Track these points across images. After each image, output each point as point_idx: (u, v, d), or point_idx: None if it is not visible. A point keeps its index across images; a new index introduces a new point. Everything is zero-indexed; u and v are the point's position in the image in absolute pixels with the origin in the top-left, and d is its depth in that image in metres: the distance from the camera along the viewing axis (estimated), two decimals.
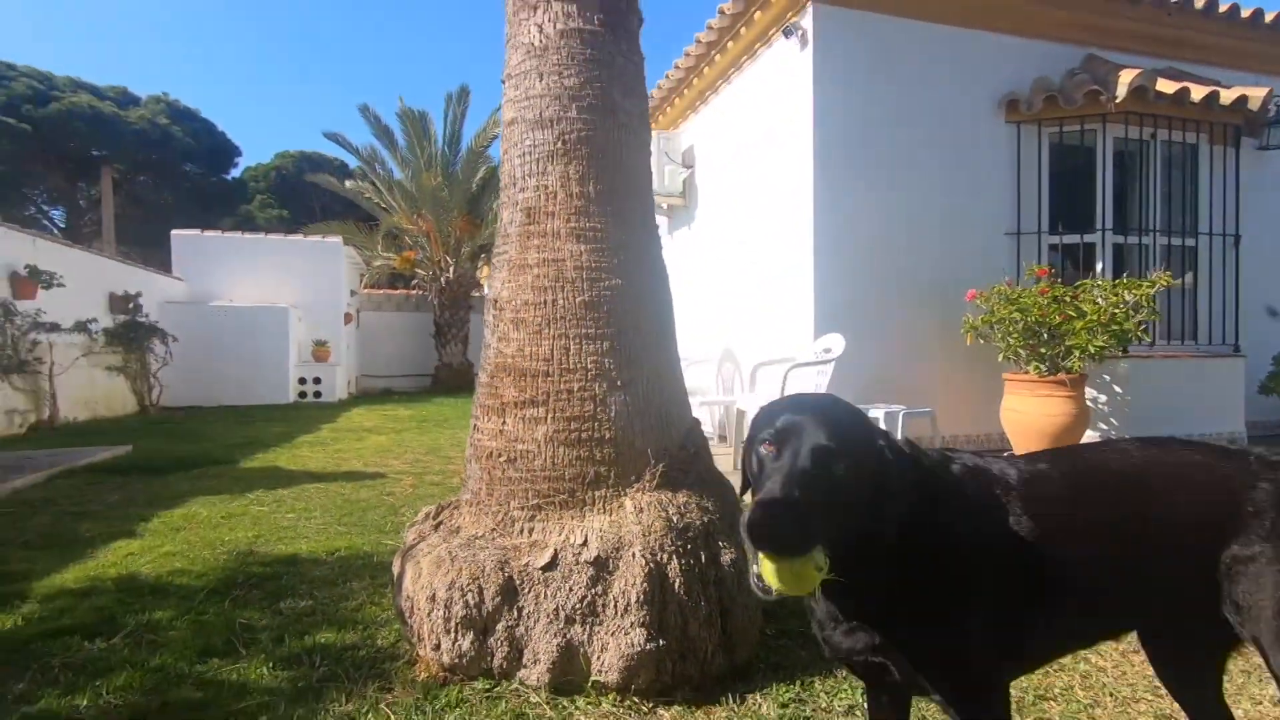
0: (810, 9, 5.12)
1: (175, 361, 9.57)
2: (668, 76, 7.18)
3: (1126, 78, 5.31)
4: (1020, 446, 4.93)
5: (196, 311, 10.12)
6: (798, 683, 1.67)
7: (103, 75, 54.06)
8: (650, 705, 1.57)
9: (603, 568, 1.64)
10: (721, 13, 5.83)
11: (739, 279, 6.31)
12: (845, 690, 1.64)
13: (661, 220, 8.12)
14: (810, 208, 5.18)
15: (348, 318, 12.43)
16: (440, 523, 1.93)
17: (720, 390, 6.35)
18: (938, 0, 5.36)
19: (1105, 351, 4.67)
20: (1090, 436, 5.35)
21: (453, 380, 13.63)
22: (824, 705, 1.58)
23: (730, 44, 6.12)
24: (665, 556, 1.65)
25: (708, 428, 6.60)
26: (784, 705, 1.57)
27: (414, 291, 15.62)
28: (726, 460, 4.97)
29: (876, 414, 4.62)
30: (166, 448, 5.83)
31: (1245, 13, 5.91)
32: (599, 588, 1.62)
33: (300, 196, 22.83)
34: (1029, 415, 4.86)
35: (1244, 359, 5.89)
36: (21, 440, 6.48)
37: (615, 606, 1.60)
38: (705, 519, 1.78)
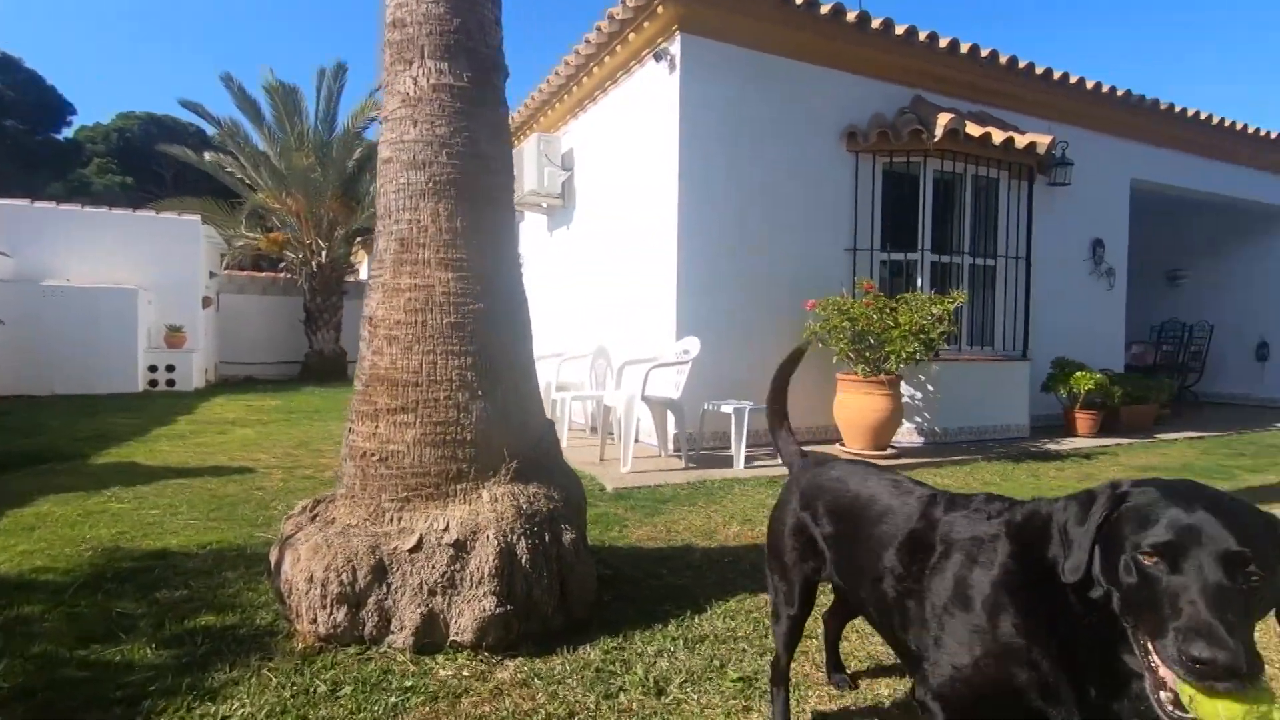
0: (679, 37, 5.58)
1: (1, 346, 8.72)
2: (548, 81, 7.42)
3: (943, 120, 6.18)
4: (848, 438, 5.67)
5: (25, 291, 9.18)
6: (620, 634, 2.09)
7: None
8: (499, 658, 1.93)
9: (461, 548, 1.97)
10: (598, 29, 6.16)
11: (611, 280, 6.73)
12: (657, 639, 2.08)
13: (541, 219, 8.40)
14: (675, 219, 5.66)
15: (206, 301, 11.69)
16: (316, 515, 2.18)
17: (593, 385, 6.73)
18: (791, 39, 5.97)
19: (915, 356, 5.47)
20: (905, 428, 6.24)
21: (324, 368, 13.14)
22: (638, 650, 2.01)
23: (607, 58, 6.48)
24: (515, 537, 2.01)
25: (580, 420, 6.99)
26: (607, 651, 1.99)
27: (281, 275, 14.86)
28: (593, 451, 5.37)
29: (728, 409, 5.18)
30: (1, 442, 5.45)
31: (1039, 69, 7.01)
32: (458, 565, 1.96)
33: (148, 163, 20.85)
34: (855, 410, 5.58)
35: (1030, 363, 7.00)
36: None
37: (471, 579, 1.94)
38: (550, 506, 2.15)
